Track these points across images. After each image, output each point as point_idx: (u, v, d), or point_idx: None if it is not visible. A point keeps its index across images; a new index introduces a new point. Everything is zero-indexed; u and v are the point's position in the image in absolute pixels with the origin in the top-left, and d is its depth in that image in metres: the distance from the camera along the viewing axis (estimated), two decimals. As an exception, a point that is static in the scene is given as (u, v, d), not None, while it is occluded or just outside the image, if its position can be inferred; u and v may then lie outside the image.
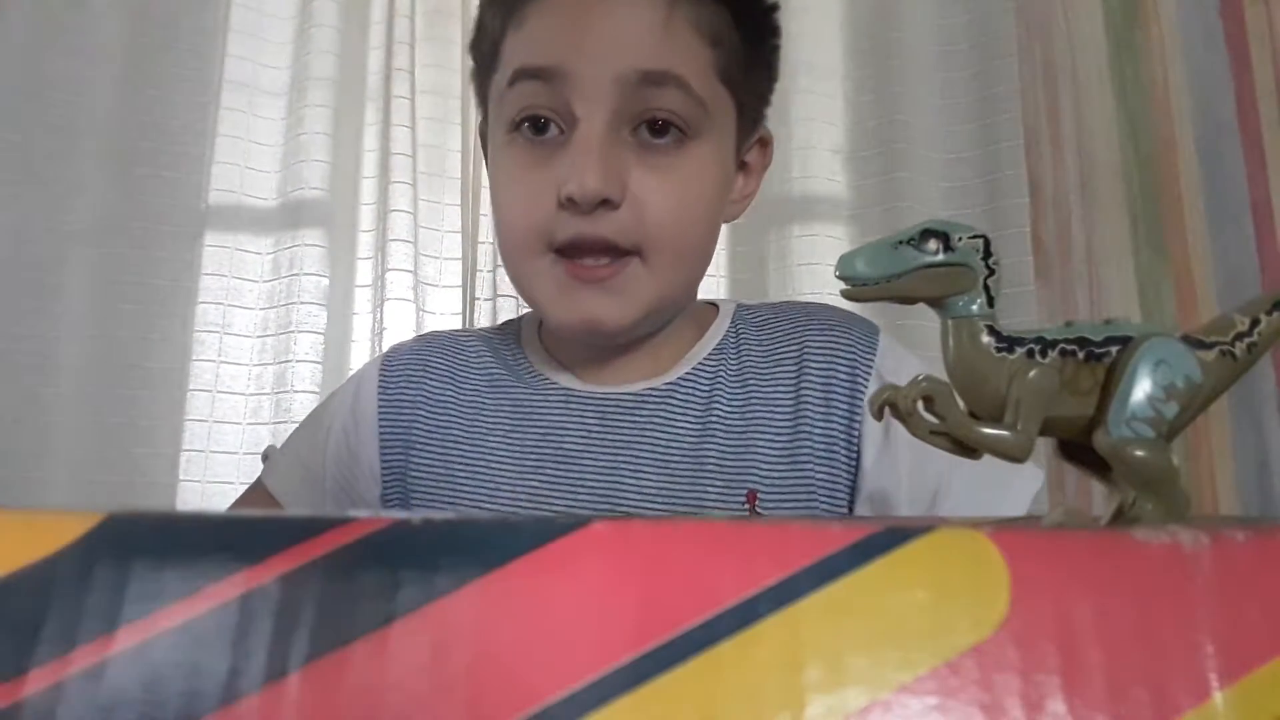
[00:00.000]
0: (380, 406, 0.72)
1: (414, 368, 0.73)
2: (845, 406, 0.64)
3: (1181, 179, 1.18)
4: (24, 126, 1.45)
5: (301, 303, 1.54)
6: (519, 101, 0.63)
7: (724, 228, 0.73)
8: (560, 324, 0.65)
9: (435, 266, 1.60)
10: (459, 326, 1.59)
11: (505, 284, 1.55)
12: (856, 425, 0.64)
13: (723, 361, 0.68)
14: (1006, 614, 0.21)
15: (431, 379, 0.72)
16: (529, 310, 0.76)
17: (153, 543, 0.22)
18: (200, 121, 1.56)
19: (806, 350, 0.66)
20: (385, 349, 1.47)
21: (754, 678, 0.20)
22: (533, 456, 0.67)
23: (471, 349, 0.74)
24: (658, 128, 0.62)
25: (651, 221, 0.61)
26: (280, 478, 0.75)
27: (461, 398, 0.71)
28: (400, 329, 1.52)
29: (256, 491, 0.76)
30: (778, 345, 0.68)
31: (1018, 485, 0.63)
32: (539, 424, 0.68)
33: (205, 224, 1.56)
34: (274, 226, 1.59)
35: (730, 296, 1.55)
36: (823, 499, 0.64)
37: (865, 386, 0.64)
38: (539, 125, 0.63)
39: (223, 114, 1.58)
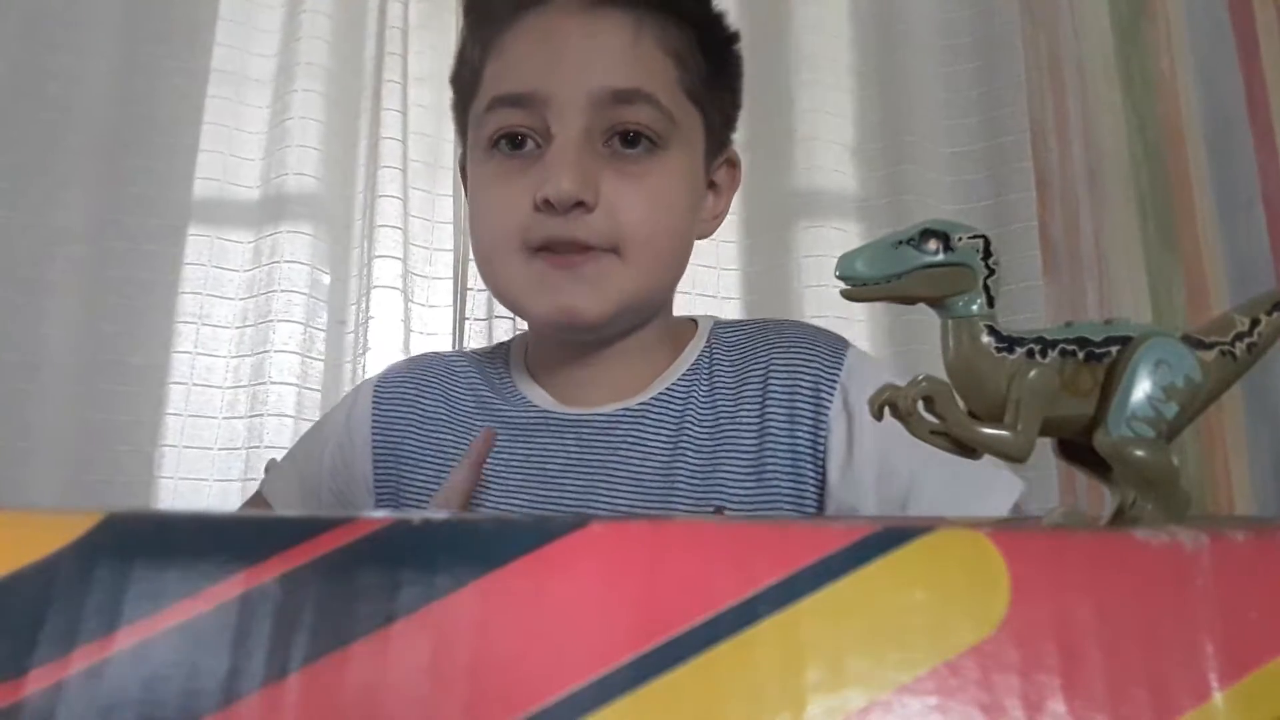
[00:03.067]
0: (374, 423, 0.76)
1: (407, 387, 0.77)
2: (810, 420, 0.67)
3: (1190, 171, 1.18)
4: (14, 121, 1.46)
5: (281, 291, 1.53)
6: (497, 122, 0.68)
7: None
8: (538, 316, 0.69)
9: (425, 256, 1.60)
10: (449, 318, 1.59)
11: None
12: (822, 439, 0.67)
13: (695, 383, 0.71)
14: (1006, 614, 0.21)
15: (424, 399, 0.76)
16: (518, 335, 0.82)
17: (153, 543, 0.22)
18: (191, 113, 1.57)
19: (771, 367, 0.70)
20: (370, 339, 1.48)
21: (754, 678, 0.20)
22: (516, 476, 0.71)
23: (462, 372, 0.78)
24: (629, 139, 0.66)
25: (624, 223, 0.65)
26: (279, 489, 0.79)
27: (453, 417, 0.75)
28: (388, 319, 1.52)
29: (253, 503, 0.81)
30: (746, 365, 0.71)
31: (994, 496, 0.65)
32: (522, 445, 0.72)
33: (192, 215, 1.56)
34: (259, 214, 1.58)
35: (741, 288, 1.56)
36: (788, 512, 0.66)
37: (830, 400, 0.67)
38: (515, 141, 0.67)
39: (209, 102, 1.58)
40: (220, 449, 1.51)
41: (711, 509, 0.66)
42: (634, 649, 0.21)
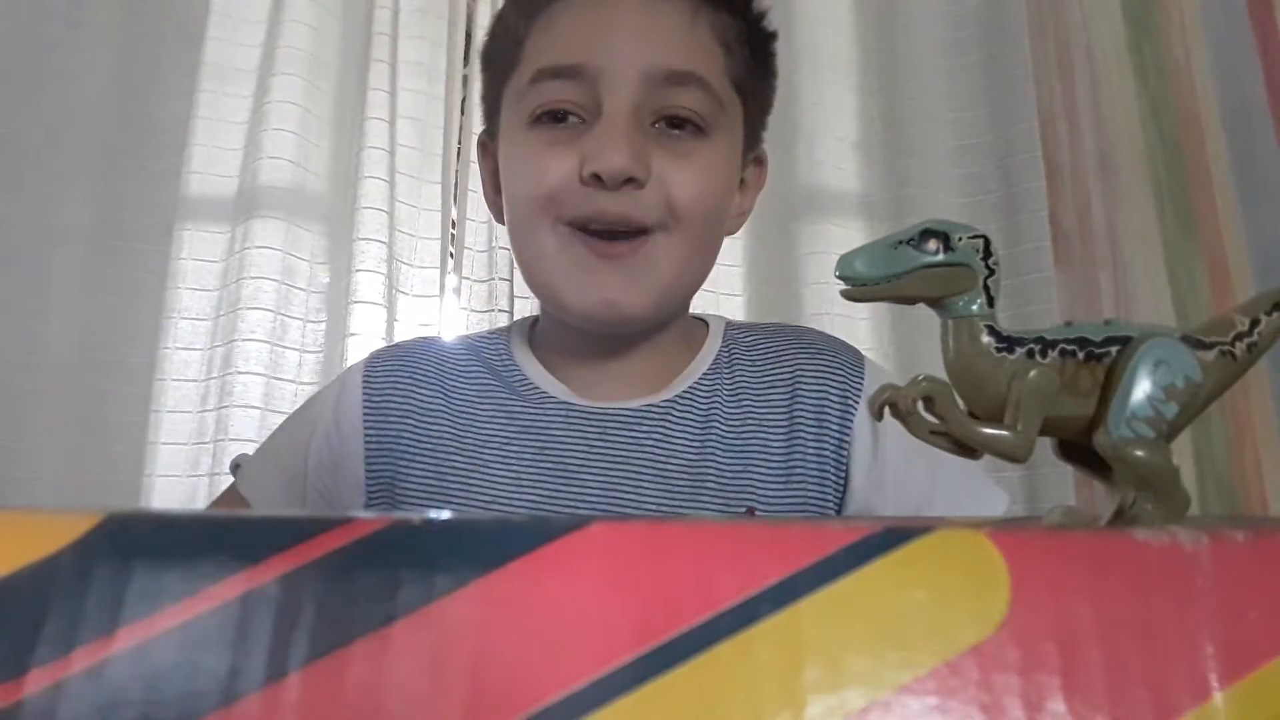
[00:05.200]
0: (365, 413, 0.73)
1: (400, 375, 0.75)
2: (836, 428, 0.70)
3: (1209, 157, 1.18)
4: (13, 120, 1.47)
5: (250, 278, 1.53)
6: (542, 96, 0.67)
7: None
8: (576, 307, 0.68)
9: (410, 244, 1.59)
10: (437, 308, 1.59)
11: (497, 266, 1.55)
12: (846, 447, 0.69)
13: (718, 380, 0.72)
14: (1006, 614, 0.21)
15: (420, 387, 0.74)
16: (517, 320, 0.82)
17: (153, 543, 0.23)
18: (184, 110, 1.57)
19: (800, 374, 0.72)
20: (351, 325, 1.48)
21: (754, 678, 0.21)
22: (530, 470, 0.69)
23: (461, 357, 0.76)
24: (676, 122, 0.67)
25: (675, 200, 0.66)
26: (257, 484, 0.76)
27: (452, 407, 0.73)
28: (370, 305, 1.51)
29: (227, 500, 0.78)
30: (770, 367, 0.73)
31: (991, 507, 0.70)
32: (537, 437, 0.70)
33: (184, 210, 1.55)
34: (238, 203, 1.57)
35: (744, 284, 1.57)
36: (814, 515, 0.68)
37: (855, 410, 0.70)
38: (558, 115, 0.67)
39: (200, 97, 1.58)
40: (193, 444, 1.50)
41: (743, 509, 0.67)
42: (634, 649, 0.21)
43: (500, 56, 0.73)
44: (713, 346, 0.75)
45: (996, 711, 0.21)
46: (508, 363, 0.75)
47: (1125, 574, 0.22)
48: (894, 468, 0.69)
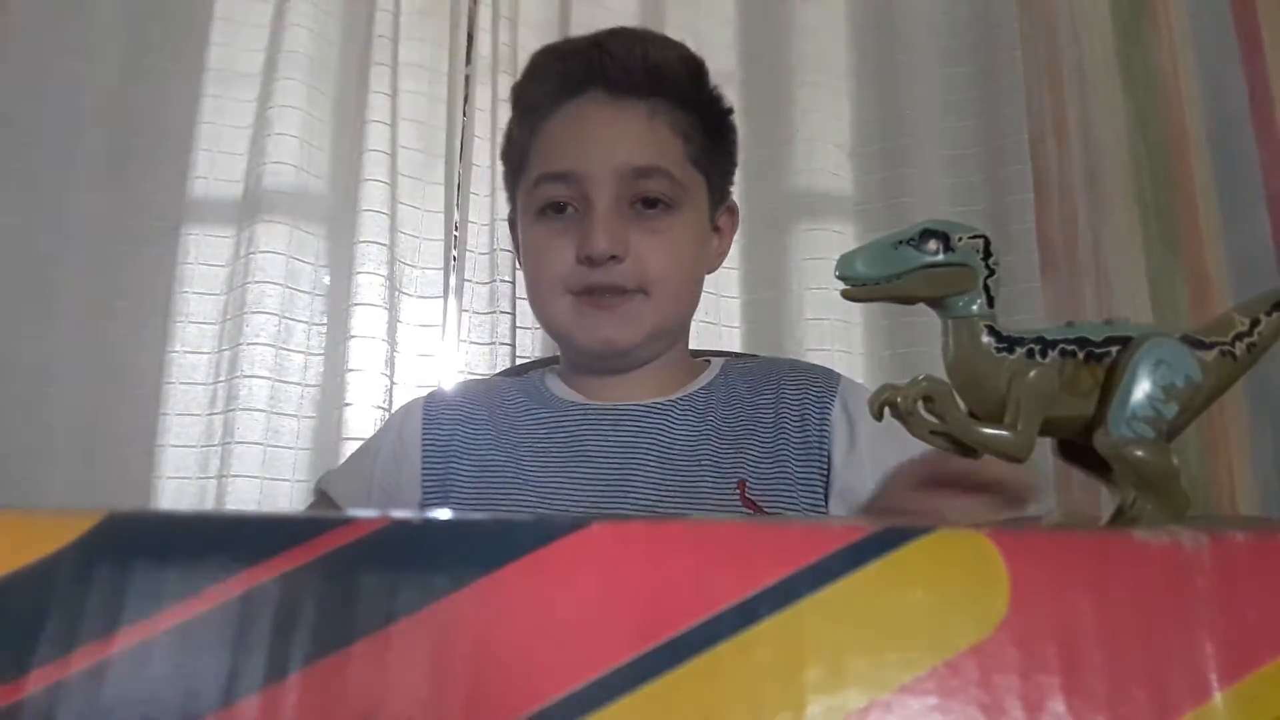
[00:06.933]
0: (424, 425, 0.90)
1: (455, 397, 0.94)
2: (817, 419, 0.84)
3: (1193, 170, 1.18)
4: (23, 127, 1.47)
5: (254, 283, 1.51)
6: (544, 195, 0.86)
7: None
8: (582, 346, 0.86)
9: (413, 245, 1.58)
10: (440, 309, 1.59)
11: (499, 269, 1.55)
12: (826, 434, 0.84)
13: (715, 391, 0.89)
14: (1006, 614, 0.21)
15: (470, 405, 0.92)
16: (553, 367, 1.01)
17: (153, 543, 0.23)
18: (189, 115, 1.57)
19: (784, 383, 0.88)
20: (352, 326, 1.47)
21: (754, 678, 0.21)
22: (557, 459, 0.85)
23: (505, 388, 0.95)
24: (649, 202, 0.85)
25: (650, 269, 0.84)
26: (341, 487, 0.93)
27: (496, 418, 0.90)
28: (372, 307, 1.50)
29: (321, 504, 0.94)
30: (761, 381, 0.89)
31: None
32: (562, 434, 0.87)
33: (190, 214, 1.55)
34: (242, 208, 1.56)
35: (740, 288, 1.58)
36: (802, 491, 0.82)
37: (831, 406, 0.85)
38: (559, 207, 0.85)
39: (205, 102, 1.58)
40: (202, 446, 1.49)
41: (736, 481, 0.81)
42: (634, 649, 0.21)
43: (513, 159, 0.93)
44: (712, 372, 0.91)
45: (996, 711, 0.20)
46: (539, 386, 0.93)
47: (1125, 574, 0.22)
48: (869, 451, 0.81)
